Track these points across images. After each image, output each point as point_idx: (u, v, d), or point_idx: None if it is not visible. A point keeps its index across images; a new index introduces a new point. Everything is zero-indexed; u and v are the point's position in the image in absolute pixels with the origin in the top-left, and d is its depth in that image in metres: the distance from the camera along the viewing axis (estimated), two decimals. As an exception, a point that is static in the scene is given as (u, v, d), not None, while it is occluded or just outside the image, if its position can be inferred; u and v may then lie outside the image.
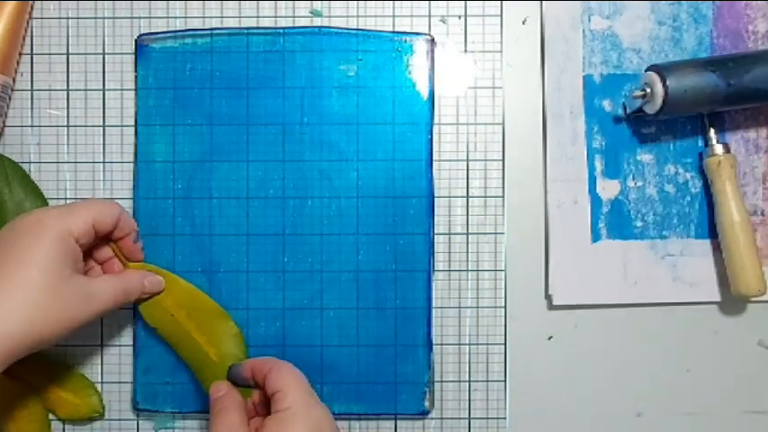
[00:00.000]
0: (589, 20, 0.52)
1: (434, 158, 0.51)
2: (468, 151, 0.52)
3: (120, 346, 0.51)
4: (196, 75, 0.51)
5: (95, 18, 0.52)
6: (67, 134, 0.52)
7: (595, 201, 0.51)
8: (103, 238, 0.46)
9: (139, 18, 0.52)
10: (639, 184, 0.52)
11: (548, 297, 0.52)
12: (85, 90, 0.52)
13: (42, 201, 0.51)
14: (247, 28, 0.51)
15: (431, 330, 0.50)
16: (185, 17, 0.52)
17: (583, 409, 0.52)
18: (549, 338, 0.52)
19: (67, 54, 0.52)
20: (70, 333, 0.41)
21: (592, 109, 0.52)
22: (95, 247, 0.47)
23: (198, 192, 0.51)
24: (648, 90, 0.48)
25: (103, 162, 0.52)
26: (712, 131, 0.50)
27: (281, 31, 0.51)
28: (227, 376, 0.46)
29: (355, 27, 0.51)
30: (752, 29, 0.52)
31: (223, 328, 0.49)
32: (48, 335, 0.40)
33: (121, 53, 0.52)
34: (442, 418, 0.51)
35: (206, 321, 0.49)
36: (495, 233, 0.51)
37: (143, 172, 0.51)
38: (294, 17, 0.52)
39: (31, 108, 0.52)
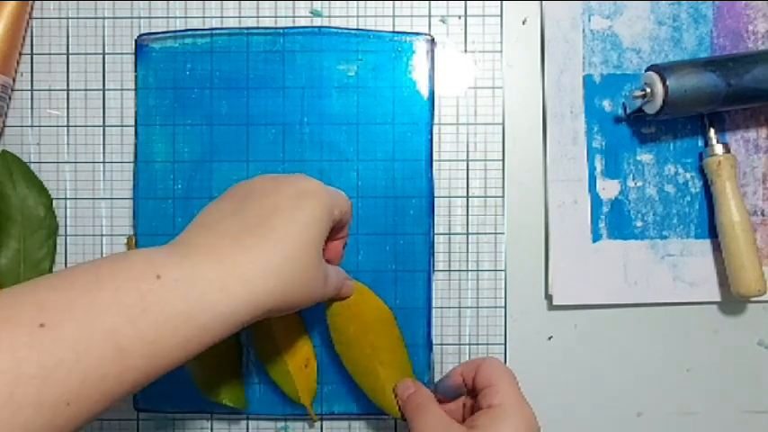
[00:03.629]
0: (589, 20, 0.52)
1: (434, 158, 0.51)
2: (468, 151, 0.52)
3: (120, 346, 0.51)
4: (196, 75, 0.51)
5: (95, 18, 0.52)
6: (67, 134, 0.52)
7: (595, 201, 0.51)
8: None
9: (139, 18, 0.52)
10: (639, 184, 0.52)
11: (548, 297, 0.52)
12: (85, 90, 0.52)
13: (46, 196, 0.51)
14: (247, 28, 0.51)
15: (431, 330, 0.50)
16: (185, 17, 0.52)
17: (583, 409, 0.52)
18: (549, 338, 0.52)
19: (67, 54, 0.52)
20: (298, 308, 0.39)
21: (592, 109, 0.52)
22: None
23: (198, 192, 0.51)
24: (648, 90, 0.48)
25: (103, 162, 0.52)
26: (712, 131, 0.50)
27: (281, 31, 0.51)
28: (438, 391, 0.46)
29: (355, 27, 0.51)
30: (752, 29, 0.52)
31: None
32: (287, 305, 0.37)
33: (121, 53, 0.52)
34: (442, 418, 0.51)
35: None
36: (495, 233, 0.51)
37: (143, 172, 0.51)
38: (294, 17, 0.52)
39: (31, 108, 0.52)
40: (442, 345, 0.51)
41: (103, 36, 0.52)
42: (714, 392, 0.52)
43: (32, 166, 0.51)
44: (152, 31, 0.51)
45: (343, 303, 0.47)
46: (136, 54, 0.51)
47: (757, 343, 0.52)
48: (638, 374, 0.52)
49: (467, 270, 0.51)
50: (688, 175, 0.52)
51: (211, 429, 0.51)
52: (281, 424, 0.51)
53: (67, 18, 0.52)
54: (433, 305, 0.51)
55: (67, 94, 0.52)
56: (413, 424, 0.43)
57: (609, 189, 0.52)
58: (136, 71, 0.51)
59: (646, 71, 0.49)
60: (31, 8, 0.51)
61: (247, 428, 0.51)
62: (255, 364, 0.51)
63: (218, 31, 0.51)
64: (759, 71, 0.48)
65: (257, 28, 0.51)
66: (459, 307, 0.51)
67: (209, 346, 0.35)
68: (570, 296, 0.51)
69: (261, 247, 0.36)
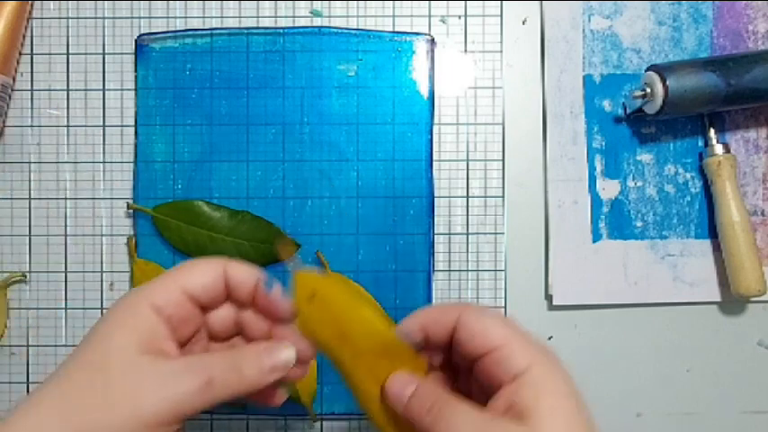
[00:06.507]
0: (589, 20, 0.52)
1: (434, 158, 0.51)
2: (468, 151, 0.52)
3: (120, 346, 0.51)
4: (196, 75, 0.51)
5: (95, 18, 0.52)
6: (67, 134, 0.52)
7: (595, 201, 0.51)
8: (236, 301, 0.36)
9: (139, 18, 0.52)
10: (639, 184, 0.52)
11: (548, 297, 0.52)
12: (85, 90, 0.52)
13: None
14: (247, 28, 0.51)
15: (431, 330, 0.50)
16: (185, 17, 0.52)
17: (583, 409, 0.52)
18: (549, 338, 0.52)
19: (67, 54, 0.52)
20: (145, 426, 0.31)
21: (592, 109, 0.52)
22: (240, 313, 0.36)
23: (198, 192, 0.51)
24: (648, 90, 0.48)
25: (103, 162, 0.52)
26: (712, 131, 0.50)
27: (281, 31, 0.51)
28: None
29: (355, 27, 0.51)
30: (752, 29, 0.52)
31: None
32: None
33: (121, 53, 0.52)
34: (442, 418, 0.51)
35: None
36: (495, 233, 0.51)
37: (143, 172, 0.51)
38: (294, 17, 0.52)
39: (31, 108, 0.52)
40: (442, 345, 0.51)
41: (103, 36, 0.52)
42: (714, 392, 0.52)
43: (32, 167, 0.51)
44: (152, 31, 0.51)
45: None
46: (136, 54, 0.51)
47: (757, 343, 0.52)
48: (638, 374, 0.52)
49: (467, 270, 0.51)
50: (688, 175, 0.52)
51: (211, 429, 0.51)
52: (280, 423, 0.51)
53: (67, 18, 0.52)
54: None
55: (67, 94, 0.52)
56: None
57: (609, 189, 0.52)
58: (136, 71, 0.51)
59: (646, 71, 0.49)
60: (31, 8, 0.51)
61: (247, 428, 0.51)
62: (255, 364, 0.51)
63: (218, 31, 0.51)
64: (759, 71, 0.48)
65: (257, 28, 0.51)
66: (459, 307, 0.51)
67: None
68: (570, 296, 0.51)
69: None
